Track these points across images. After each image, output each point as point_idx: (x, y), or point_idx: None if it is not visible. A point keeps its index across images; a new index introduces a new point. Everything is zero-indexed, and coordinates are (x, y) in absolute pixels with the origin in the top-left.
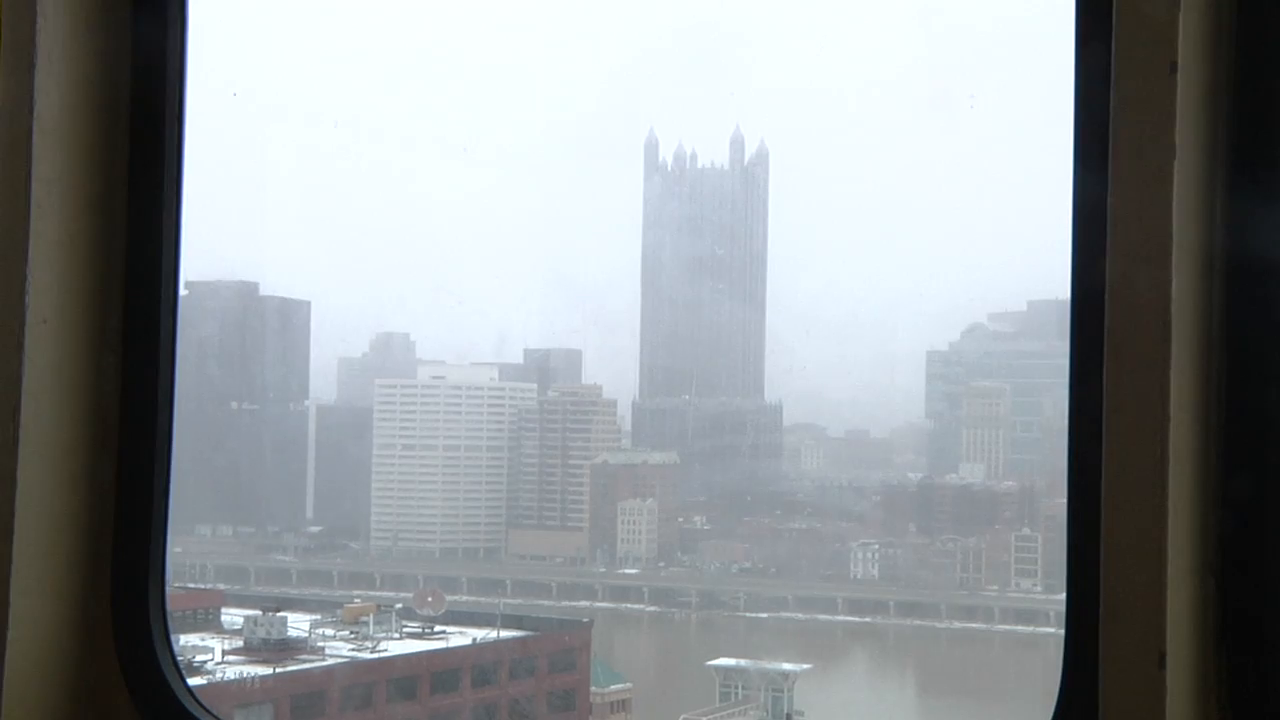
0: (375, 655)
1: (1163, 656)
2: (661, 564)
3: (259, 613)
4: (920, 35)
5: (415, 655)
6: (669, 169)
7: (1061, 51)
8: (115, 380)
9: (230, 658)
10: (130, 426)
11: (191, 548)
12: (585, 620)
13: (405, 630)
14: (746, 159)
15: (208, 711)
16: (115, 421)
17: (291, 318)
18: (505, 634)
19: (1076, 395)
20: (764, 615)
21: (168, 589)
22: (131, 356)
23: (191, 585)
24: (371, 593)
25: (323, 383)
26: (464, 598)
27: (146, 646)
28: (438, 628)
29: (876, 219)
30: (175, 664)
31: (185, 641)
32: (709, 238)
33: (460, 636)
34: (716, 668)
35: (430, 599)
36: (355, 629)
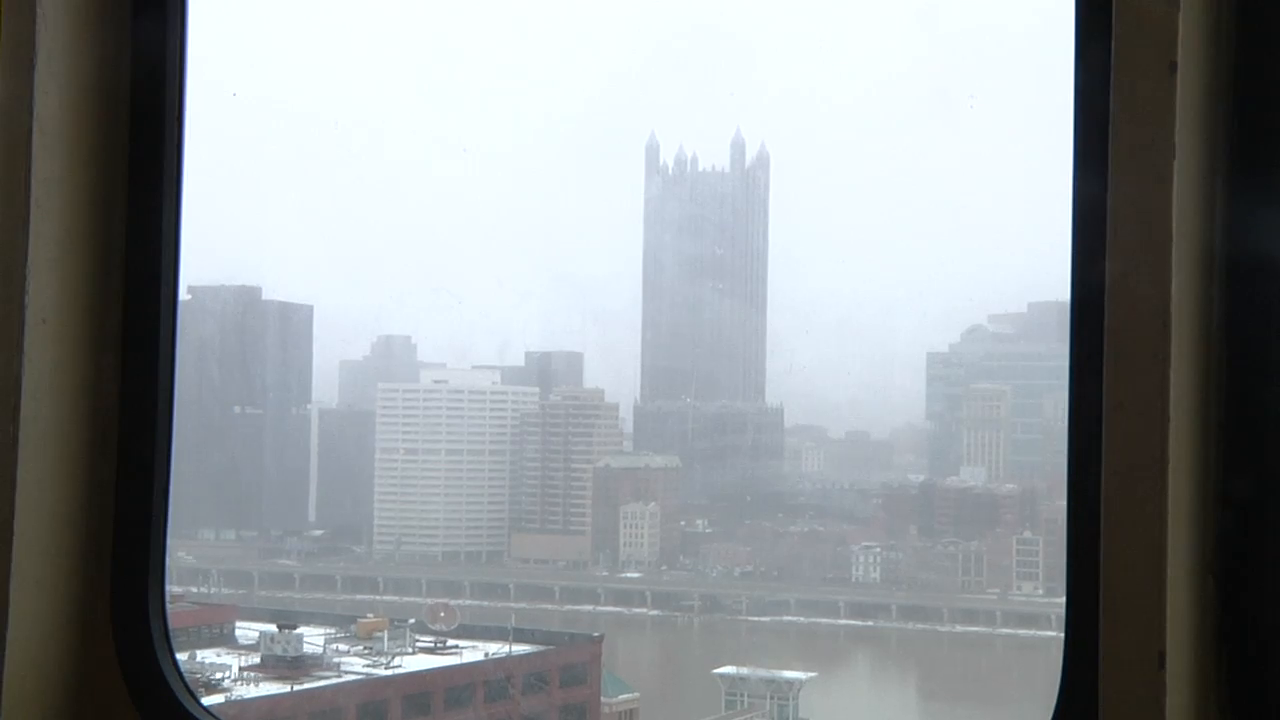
0: (390, 671)
1: (1163, 656)
2: (663, 567)
3: (274, 628)
4: (920, 36)
5: (429, 672)
6: (670, 172)
7: (1061, 51)
8: (115, 380)
9: (247, 674)
10: (130, 426)
11: (195, 551)
12: (596, 634)
13: (418, 645)
14: (747, 162)
15: (207, 711)
16: (115, 421)
17: (293, 321)
18: (517, 648)
19: (1076, 395)
20: (766, 619)
21: (168, 589)
22: (131, 357)
23: (198, 590)
24: (374, 597)
25: (325, 386)
26: (467, 602)
27: (146, 646)
28: (450, 642)
29: (876, 219)
30: (175, 664)
31: (201, 658)
32: (710, 239)
33: (473, 651)
34: (721, 676)
35: (443, 614)
36: (369, 644)
